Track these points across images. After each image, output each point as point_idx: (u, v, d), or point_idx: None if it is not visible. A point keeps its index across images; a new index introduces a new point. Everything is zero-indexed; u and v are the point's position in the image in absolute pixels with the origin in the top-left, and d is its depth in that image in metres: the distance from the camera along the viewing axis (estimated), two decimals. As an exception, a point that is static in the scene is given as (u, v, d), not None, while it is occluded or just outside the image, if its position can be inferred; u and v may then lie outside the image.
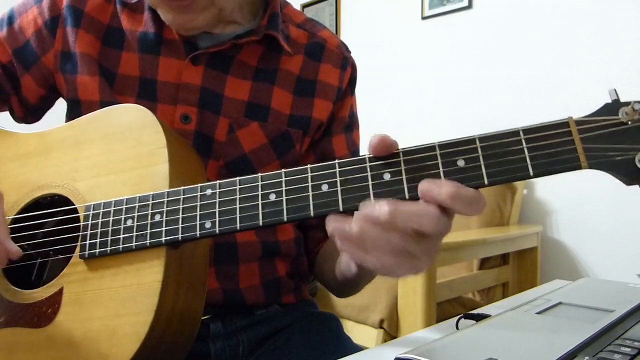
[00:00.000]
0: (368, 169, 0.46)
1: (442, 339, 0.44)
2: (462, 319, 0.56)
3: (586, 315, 0.50)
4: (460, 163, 0.44)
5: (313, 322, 0.78)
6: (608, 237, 2.19)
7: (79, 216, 0.57)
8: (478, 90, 2.60)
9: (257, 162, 0.72)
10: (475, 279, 2.14)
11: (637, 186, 0.42)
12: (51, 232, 0.62)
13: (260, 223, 0.48)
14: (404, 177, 0.45)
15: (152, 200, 0.53)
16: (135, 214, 0.53)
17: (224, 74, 0.71)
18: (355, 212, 0.44)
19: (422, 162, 0.45)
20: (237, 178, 0.50)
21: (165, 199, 0.52)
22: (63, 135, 0.62)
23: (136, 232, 0.52)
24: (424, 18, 2.84)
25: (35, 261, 0.62)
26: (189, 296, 0.55)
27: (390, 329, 1.85)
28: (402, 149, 0.46)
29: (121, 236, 0.53)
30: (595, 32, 2.22)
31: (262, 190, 0.49)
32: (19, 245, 0.55)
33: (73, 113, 0.71)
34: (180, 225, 0.51)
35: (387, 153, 0.46)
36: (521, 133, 0.43)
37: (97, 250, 0.54)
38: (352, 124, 0.83)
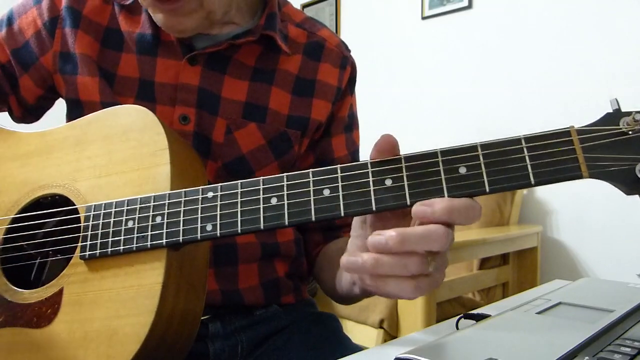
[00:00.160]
0: (370, 175, 0.46)
1: (442, 339, 0.44)
2: (462, 319, 0.56)
3: (586, 315, 0.50)
4: (462, 170, 0.44)
5: (312, 322, 0.78)
6: (608, 237, 2.19)
7: (79, 216, 0.57)
8: (478, 91, 2.60)
9: (255, 163, 0.72)
10: (475, 279, 2.15)
11: (637, 196, 0.42)
12: (51, 232, 0.62)
13: (262, 227, 0.48)
14: (405, 183, 0.45)
15: (154, 202, 0.53)
16: (137, 215, 0.53)
17: (221, 74, 0.71)
18: (367, 242, 0.44)
19: (424, 168, 0.45)
20: (239, 181, 0.50)
21: (167, 201, 0.52)
22: (64, 136, 0.62)
23: (137, 233, 0.52)
24: (424, 18, 2.84)
25: (35, 261, 0.62)
26: (189, 298, 0.55)
27: (390, 329, 1.85)
28: (404, 154, 0.46)
29: (122, 237, 0.53)
30: (595, 33, 2.22)
31: (263, 194, 0.49)
32: (18, 245, 0.55)
33: (73, 113, 0.71)
34: (181, 228, 0.51)
35: (390, 152, 0.46)
36: (523, 141, 0.43)
37: (98, 251, 0.54)
38: (351, 124, 0.82)
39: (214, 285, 0.69)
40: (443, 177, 0.44)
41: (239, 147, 0.71)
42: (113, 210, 0.54)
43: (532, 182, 0.43)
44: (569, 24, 2.31)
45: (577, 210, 2.29)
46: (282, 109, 0.74)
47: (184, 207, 0.51)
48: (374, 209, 0.45)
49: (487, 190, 0.43)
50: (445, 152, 0.45)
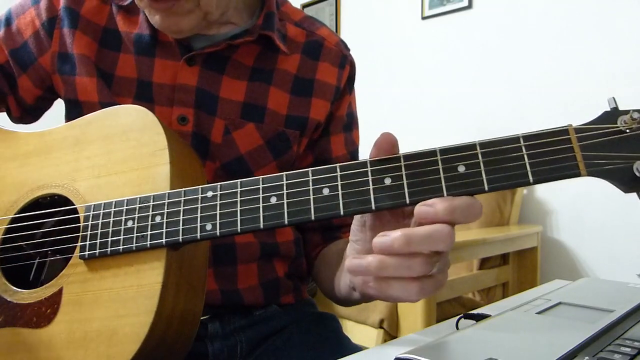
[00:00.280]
0: (369, 174, 0.46)
1: (442, 339, 0.44)
2: (462, 319, 0.56)
3: (586, 315, 0.50)
4: (461, 169, 0.44)
5: (312, 322, 0.78)
6: (608, 237, 2.19)
7: (78, 216, 0.56)
8: (478, 91, 2.60)
9: (253, 163, 0.72)
10: (475, 279, 2.15)
11: (635, 194, 0.42)
12: (51, 232, 0.62)
13: (261, 226, 0.48)
14: (404, 182, 0.45)
15: (153, 201, 0.53)
16: (136, 215, 0.53)
17: (219, 74, 0.71)
18: (372, 244, 0.44)
19: (423, 167, 0.45)
20: (238, 180, 0.50)
21: (166, 201, 0.52)
22: (63, 135, 0.62)
23: (136, 233, 0.52)
24: (424, 18, 2.84)
25: (34, 261, 0.62)
26: (189, 297, 0.55)
27: (390, 329, 1.85)
28: (403, 153, 0.46)
29: (121, 237, 0.53)
30: (595, 33, 2.22)
31: (263, 193, 0.49)
32: (17, 245, 0.55)
33: (72, 114, 0.71)
34: (180, 227, 0.51)
35: (389, 151, 0.46)
36: (521, 140, 0.43)
37: (97, 251, 0.54)
38: (351, 123, 0.82)
39: (213, 285, 0.69)
40: (442, 175, 0.44)
41: (237, 147, 0.71)
42: (112, 210, 0.54)
43: (531, 181, 0.43)
44: (569, 24, 2.31)
45: (577, 210, 2.29)
46: (280, 108, 0.74)
47: (183, 206, 0.51)
48: (373, 207, 0.45)
49: (486, 188, 0.43)
50: (444, 151, 0.45)
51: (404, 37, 2.94)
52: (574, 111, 2.18)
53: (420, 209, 0.43)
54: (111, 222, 0.54)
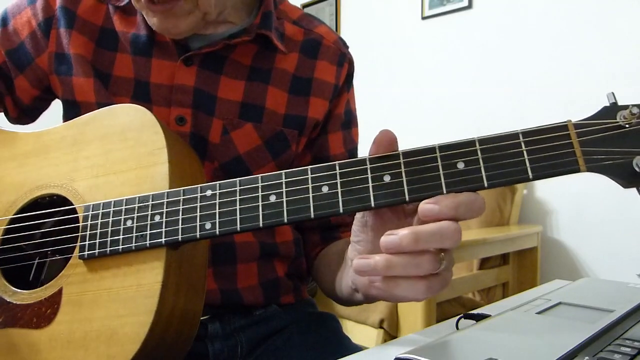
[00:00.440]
0: (368, 171, 0.46)
1: (442, 339, 0.44)
2: (462, 319, 0.56)
3: (586, 315, 0.50)
4: (460, 165, 0.44)
5: (312, 322, 0.78)
6: (608, 237, 2.19)
7: (77, 216, 0.56)
8: (478, 90, 2.60)
9: (252, 163, 0.72)
10: (475, 279, 2.15)
11: (634, 189, 0.42)
12: (50, 233, 0.62)
13: (261, 224, 0.48)
14: (404, 179, 0.45)
15: (152, 200, 0.53)
16: (135, 215, 0.53)
17: (217, 74, 0.70)
18: (380, 243, 0.44)
19: (422, 164, 0.45)
20: (237, 179, 0.50)
21: (165, 200, 0.52)
22: (61, 135, 0.62)
23: (136, 232, 0.52)
24: (424, 18, 2.84)
25: (33, 262, 0.62)
26: (189, 297, 0.55)
27: (390, 329, 1.85)
28: (402, 150, 0.46)
29: (121, 237, 0.53)
30: (595, 33, 2.22)
31: (262, 192, 0.49)
32: (17, 246, 0.55)
33: (70, 114, 0.70)
34: (180, 226, 0.51)
35: (389, 148, 0.46)
36: (520, 136, 0.43)
37: (97, 251, 0.54)
38: (349, 121, 0.81)
39: (212, 284, 0.69)
40: (441, 172, 0.44)
41: (236, 147, 0.71)
42: (111, 209, 0.54)
43: (530, 177, 0.43)
44: (569, 24, 2.31)
45: (577, 210, 2.29)
46: (278, 108, 0.73)
47: (182, 205, 0.51)
48: (372, 205, 0.45)
49: (486, 185, 0.43)
50: (443, 148, 0.45)
51: (404, 37, 2.94)
52: (573, 111, 2.16)
53: (424, 206, 0.43)
54: (110, 221, 0.54)
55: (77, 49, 0.70)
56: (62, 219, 0.59)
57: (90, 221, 0.55)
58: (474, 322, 0.52)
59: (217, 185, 0.51)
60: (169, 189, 0.53)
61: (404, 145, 0.46)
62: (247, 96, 0.71)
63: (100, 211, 0.55)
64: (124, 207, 0.54)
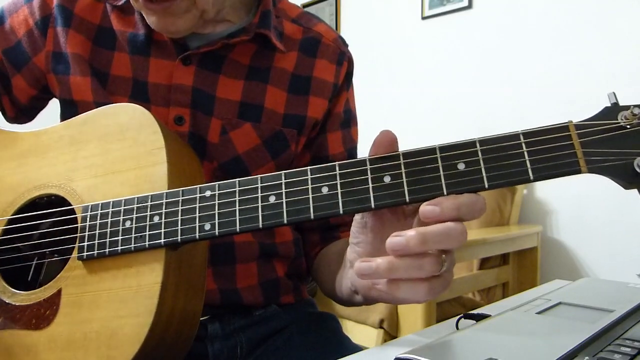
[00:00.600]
0: (368, 172, 0.46)
1: (442, 339, 0.44)
2: (462, 319, 0.56)
3: (586, 315, 0.50)
4: (461, 166, 0.44)
5: (312, 322, 0.78)
6: (608, 237, 2.19)
7: (76, 217, 0.56)
8: (478, 91, 2.60)
9: (251, 163, 0.72)
10: (475, 279, 2.15)
11: (636, 190, 0.42)
12: (48, 233, 0.62)
13: (260, 225, 0.48)
14: (404, 180, 0.45)
15: (151, 201, 0.52)
16: (134, 215, 0.53)
17: (215, 74, 0.70)
18: (386, 244, 0.43)
19: (422, 165, 0.45)
20: (237, 179, 0.50)
21: (164, 200, 0.52)
22: (59, 135, 0.62)
23: (135, 233, 0.52)
24: (424, 18, 2.84)
25: (32, 262, 0.62)
26: (189, 297, 0.54)
27: (390, 329, 1.85)
28: (403, 151, 0.46)
29: (119, 237, 0.53)
30: (595, 33, 2.22)
31: (261, 192, 0.48)
32: (15, 246, 0.55)
33: (67, 113, 0.70)
34: (179, 227, 0.51)
35: (389, 148, 0.46)
36: (521, 137, 0.43)
37: (96, 252, 0.53)
38: (348, 120, 0.81)
39: (212, 284, 0.69)
40: (442, 173, 0.44)
41: (235, 147, 0.70)
42: (110, 210, 0.54)
43: (531, 178, 0.42)
44: (569, 24, 2.31)
45: (577, 210, 2.29)
46: (277, 107, 0.73)
47: (181, 206, 0.51)
48: (372, 206, 0.45)
49: (486, 186, 0.43)
50: (443, 148, 0.45)
51: (404, 37, 2.94)
52: (574, 111, 2.16)
53: (426, 208, 0.43)
54: (109, 222, 0.54)
55: (75, 48, 0.70)
56: (60, 219, 0.59)
57: (89, 222, 0.55)
58: (474, 322, 0.52)
59: (217, 185, 0.50)
60: (168, 189, 0.53)
61: (403, 145, 0.46)
62: (246, 96, 0.71)
63: (99, 212, 0.54)
64: (122, 208, 0.54)
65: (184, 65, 0.69)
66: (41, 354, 0.53)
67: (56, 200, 0.59)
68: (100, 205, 0.55)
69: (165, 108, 0.68)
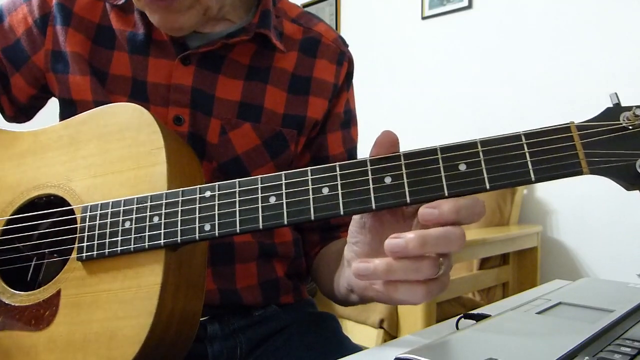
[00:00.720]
0: (369, 173, 0.46)
1: (442, 339, 0.44)
2: (462, 319, 0.56)
3: (586, 315, 0.49)
4: (462, 167, 0.44)
5: (312, 322, 0.78)
6: (608, 237, 2.19)
7: (75, 217, 0.56)
8: (478, 91, 2.60)
9: (250, 163, 0.71)
10: (475, 279, 2.15)
11: (637, 191, 0.42)
12: (47, 234, 0.62)
13: (261, 226, 0.48)
14: (405, 181, 0.45)
15: (150, 202, 0.52)
16: (133, 216, 0.53)
17: (215, 73, 0.70)
18: (385, 245, 0.43)
19: (423, 165, 0.45)
20: (237, 180, 0.50)
21: (164, 201, 0.52)
22: (58, 135, 0.61)
23: (134, 234, 0.52)
24: (424, 18, 2.84)
25: (31, 263, 0.62)
26: (189, 297, 0.54)
27: (390, 329, 1.85)
28: (403, 152, 0.45)
29: (119, 238, 0.53)
30: (595, 32, 2.22)
31: (262, 193, 0.48)
32: (14, 247, 0.55)
33: (66, 113, 0.70)
34: (179, 228, 0.50)
35: (390, 149, 0.46)
36: (523, 138, 0.43)
37: (95, 252, 0.53)
38: (348, 120, 0.81)
39: (211, 284, 0.69)
40: (443, 174, 0.44)
41: (234, 147, 0.70)
42: (109, 210, 0.54)
43: (533, 179, 0.42)
44: (569, 23, 2.31)
45: (577, 210, 2.29)
46: (277, 107, 0.73)
47: (181, 207, 0.51)
48: (373, 207, 0.45)
49: (488, 187, 0.43)
50: (444, 149, 0.44)
51: (404, 37, 2.94)
52: (574, 111, 2.17)
53: (425, 210, 0.43)
54: (108, 223, 0.53)
55: (74, 47, 0.69)
56: (60, 219, 0.58)
57: (88, 222, 0.55)
58: (474, 322, 0.52)
59: (217, 186, 0.50)
60: (167, 189, 0.53)
61: (404, 145, 0.46)
62: (246, 96, 0.71)
63: (99, 212, 0.54)
64: (122, 208, 0.53)
65: (184, 65, 0.68)
66: (41, 355, 0.53)
67: (55, 201, 0.59)
68: (99, 205, 0.55)
69: (164, 108, 0.68)
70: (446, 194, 0.44)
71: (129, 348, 0.49)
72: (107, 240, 0.53)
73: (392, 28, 3.01)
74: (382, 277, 0.44)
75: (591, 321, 0.46)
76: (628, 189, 0.42)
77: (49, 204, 0.60)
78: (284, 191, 0.48)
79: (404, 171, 0.45)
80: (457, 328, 0.56)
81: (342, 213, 0.46)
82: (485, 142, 0.44)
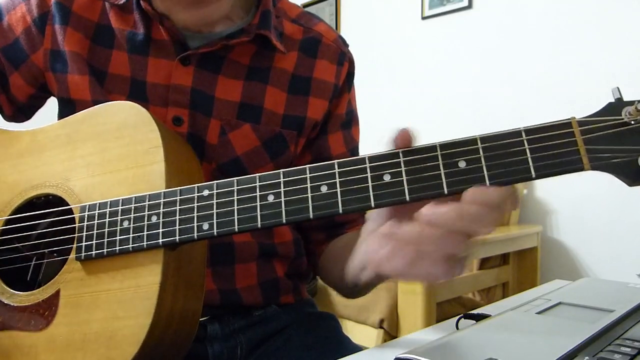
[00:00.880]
0: (368, 170, 0.46)
1: (442, 339, 0.44)
2: (462, 319, 0.56)
3: (586, 315, 0.49)
4: (462, 164, 0.44)
5: (312, 322, 0.78)
6: (608, 237, 2.18)
7: (74, 217, 0.56)
8: (478, 90, 2.60)
9: (250, 164, 0.71)
10: (475, 279, 2.14)
11: (637, 188, 0.41)
12: (46, 233, 0.62)
13: (259, 225, 0.48)
14: (404, 178, 0.44)
15: (149, 201, 0.52)
16: (132, 215, 0.52)
17: (215, 74, 0.69)
18: (421, 212, 0.43)
19: (422, 162, 0.44)
20: (235, 178, 0.49)
21: (162, 200, 0.52)
22: (56, 134, 0.61)
23: (133, 233, 0.52)
24: (424, 18, 2.84)
25: (30, 263, 0.62)
26: (188, 297, 0.54)
27: (390, 329, 1.84)
28: (402, 149, 0.45)
29: (117, 238, 0.53)
30: (595, 32, 2.22)
31: (260, 192, 0.48)
32: (13, 247, 0.54)
33: (65, 112, 0.70)
34: (177, 227, 0.50)
35: (405, 144, 0.45)
36: (523, 133, 0.43)
37: (94, 252, 0.53)
38: (350, 121, 0.80)
39: (211, 285, 0.69)
40: (442, 171, 0.44)
41: (234, 148, 0.70)
42: (108, 210, 0.54)
43: (533, 175, 0.42)
44: (569, 23, 2.30)
45: (577, 210, 2.29)
46: (277, 108, 0.72)
47: (179, 206, 0.51)
48: (372, 205, 0.45)
49: (488, 183, 0.43)
50: (444, 146, 0.44)
51: (404, 37, 2.94)
52: (574, 111, 2.14)
53: (473, 192, 0.42)
54: (107, 222, 0.53)
55: (72, 46, 0.69)
56: (58, 219, 0.58)
57: (87, 222, 0.54)
58: (474, 322, 0.52)
59: (215, 185, 0.50)
60: (166, 188, 0.52)
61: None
62: (246, 96, 0.71)
63: (97, 212, 0.54)
64: (120, 208, 0.53)
65: (183, 66, 0.68)
66: (40, 355, 0.53)
67: (54, 200, 0.59)
68: (97, 205, 0.54)
69: (164, 108, 0.68)
70: (445, 192, 0.43)
71: (129, 348, 0.49)
72: (105, 240, 0.53)
73: (392, 28, 3.01)
74: (412, 242, 0.43)
75: (591, 321, 0.46)
76: (630, 184, 0.41)
77: (47, 203, 0.60)
78: (282, 189, 0.48)
79: (403, 168, 0.45)
80: (457, 328, 0.56)
81: (340, 211, 0.46)
82: (484, 139, 0.43)
